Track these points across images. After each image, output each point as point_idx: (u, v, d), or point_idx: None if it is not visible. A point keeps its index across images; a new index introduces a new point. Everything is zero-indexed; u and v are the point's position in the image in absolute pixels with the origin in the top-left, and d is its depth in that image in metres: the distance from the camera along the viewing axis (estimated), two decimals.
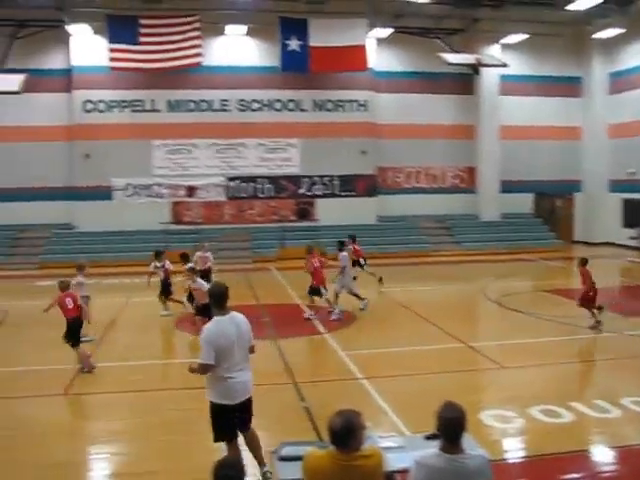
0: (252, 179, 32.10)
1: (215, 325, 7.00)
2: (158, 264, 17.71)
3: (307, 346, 14.68)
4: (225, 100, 31.75)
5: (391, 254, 29.32)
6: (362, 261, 21.37)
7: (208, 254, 19.64)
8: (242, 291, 20.35)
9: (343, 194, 32.62)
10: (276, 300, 18.93)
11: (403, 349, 13.60)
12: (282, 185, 32.34)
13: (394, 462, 5.24)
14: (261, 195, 32.28)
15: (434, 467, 4.57)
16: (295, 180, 32.43)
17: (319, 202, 32.52)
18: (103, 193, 30.67)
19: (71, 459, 8.35)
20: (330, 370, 12.24)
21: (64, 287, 12.58)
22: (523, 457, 8.33)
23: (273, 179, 32.26)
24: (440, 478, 4.55)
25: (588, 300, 15.01)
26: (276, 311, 17.30)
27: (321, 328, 15.62)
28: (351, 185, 32.68)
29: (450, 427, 4.58)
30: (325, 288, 17.09)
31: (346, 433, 4.53)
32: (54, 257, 27.81)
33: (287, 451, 6.01)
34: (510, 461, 8.16)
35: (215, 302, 7.12)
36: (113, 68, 28.58)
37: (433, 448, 4.70)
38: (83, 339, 14.48)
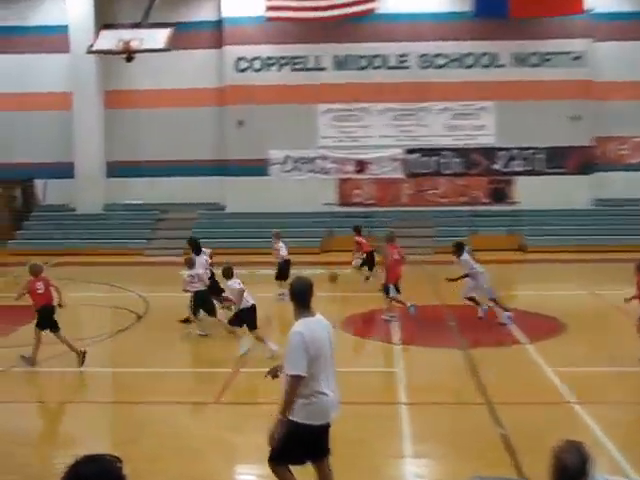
0: (435, 152, 32.04)
1: (306, 327, 6.80)
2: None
3: (503, 358, 14.44)
4: (403, 55, 31.84)
5: (609, 247, 28.22)
6: (359, 261, 21.83)
7: (281, 244, 19.93)
8: (421, 288, 20.32)
9: (549, 171, 31.89)
10: (464, 300, 18.76)
11: (627, 369, 13.09)
12: (473, 159, 32.05)
13: None
14: (446, 171, 32.17)
15: None
16: (489, 153, 32.03)
17: (519, 181, 32.01)
18: (258, 167, 31.65)
19: (217, 476, 8.72)
20: (533, 389, 11.99)
21: (36, 272, 13.12)
22: None
23: (461, 152, 32.03)
24: None
25: None
26: (465, 314, 17.13)
27: (522, 337, 15.36)
28: (560, 160, 31.86)
29: None
30: (397, 288, 16.67)
31: (579, 475, 4.38)
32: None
33: None
34: None
35: (299, 301, 6.99)
36: (270, 19, 29.37)
37: None
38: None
